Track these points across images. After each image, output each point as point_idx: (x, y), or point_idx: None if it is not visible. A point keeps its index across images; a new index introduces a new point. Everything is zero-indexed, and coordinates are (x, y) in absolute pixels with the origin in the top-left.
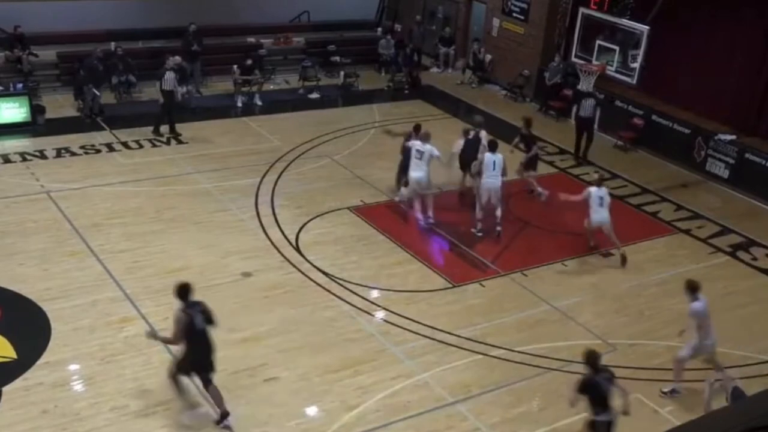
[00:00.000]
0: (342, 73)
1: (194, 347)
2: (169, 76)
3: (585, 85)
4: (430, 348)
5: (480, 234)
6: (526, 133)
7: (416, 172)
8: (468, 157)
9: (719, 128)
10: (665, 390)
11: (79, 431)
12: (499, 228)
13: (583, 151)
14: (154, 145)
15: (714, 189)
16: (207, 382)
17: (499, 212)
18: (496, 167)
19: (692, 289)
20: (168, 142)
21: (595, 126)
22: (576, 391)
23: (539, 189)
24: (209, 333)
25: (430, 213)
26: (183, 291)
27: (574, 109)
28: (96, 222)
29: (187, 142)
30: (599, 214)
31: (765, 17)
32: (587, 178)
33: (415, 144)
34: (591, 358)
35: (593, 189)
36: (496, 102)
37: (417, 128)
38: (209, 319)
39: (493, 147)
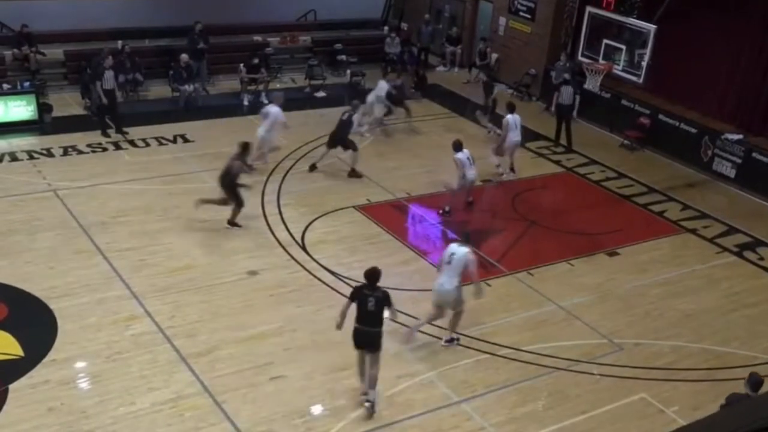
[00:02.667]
0: (348, 71)
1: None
2: (108, 75)
3: (592, 84)
4: (436, 347)
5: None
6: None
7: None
8: (336, 137)
9: (726, 128)
10: None
11: (85, 429)
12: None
13: (567, 139)
14: (161, 144)
15: (721, 188)
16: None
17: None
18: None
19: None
20: (174, 141)
21: (574, 113)
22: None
23: (502, 170)
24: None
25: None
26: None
27: (555, 96)
28: (103, 220)
29: (193, 141)
30: (515, 137)
31: None
32: (582, 171)
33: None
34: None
35: (510, 116)
36: (503, 101)
37: None
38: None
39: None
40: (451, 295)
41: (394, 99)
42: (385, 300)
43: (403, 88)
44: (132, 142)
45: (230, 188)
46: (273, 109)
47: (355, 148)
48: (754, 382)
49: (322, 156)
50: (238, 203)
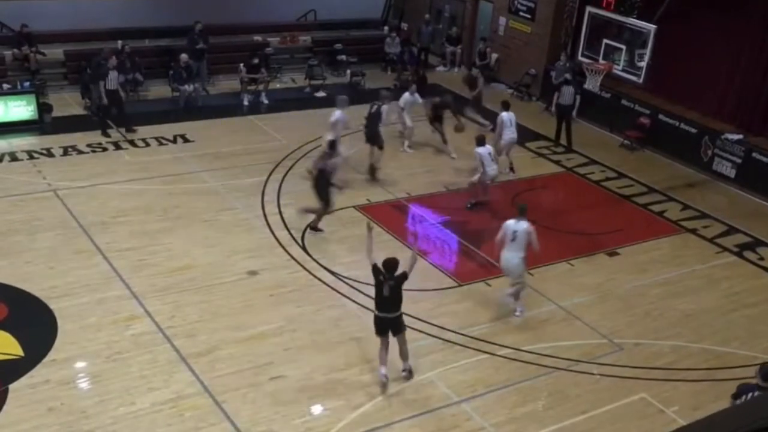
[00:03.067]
0: (348, 71)
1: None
2: (113, 75)
3: (592, 84)
4: (436, 347)
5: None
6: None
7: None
8: (369, 132)
9: (726, 128)
10: None
11: (85, 429)
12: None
13: (567, 139)
14: (161, 144)
15: (721, 188)
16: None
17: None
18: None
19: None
20: (174, 141)
21: (574, 113)
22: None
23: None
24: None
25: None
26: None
27: (555, 96)
28: (103, 220)
29: (193, 141)
30: (510, 134)
31: None
32: (582, 171)
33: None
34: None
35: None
36: (496, 99)
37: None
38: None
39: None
40: (517, 267)
41: (439, 106)
42: (400, 282)
43: (448, 103)
44: (132, 142)
45: (323, 190)
46: (338, 114)
47: (381, 146)
48: (766, 372)
49: (371, 155)
50: (327, 205)
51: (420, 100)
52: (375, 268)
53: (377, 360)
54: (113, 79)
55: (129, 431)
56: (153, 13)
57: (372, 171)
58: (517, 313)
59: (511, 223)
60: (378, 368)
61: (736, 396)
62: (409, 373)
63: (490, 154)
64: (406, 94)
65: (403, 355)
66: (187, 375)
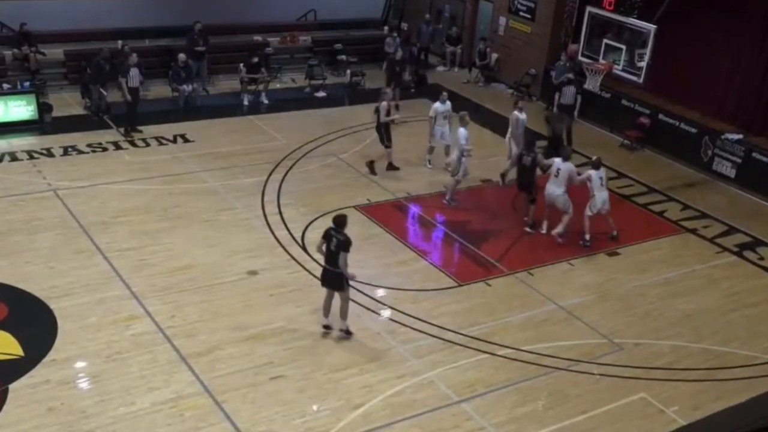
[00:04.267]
0: (348, 71)
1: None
2: (134, 72)
3: (592, 83)
4: (436, 347)
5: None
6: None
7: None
8: (377, 130)
9: (726, 128)
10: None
11: (85, 429)
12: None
13: (567, 139)
14: (161, 144)
15: (721, 188)
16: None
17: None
18: (603, 183)
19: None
20: (174, 141)
21: (575, 113)
22: None
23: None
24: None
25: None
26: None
27: (556, 96)
28: (103, 220)
29: (193, 141)
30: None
31: None
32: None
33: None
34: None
35: (593, 172)
36: (503, 101)
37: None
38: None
39: (597, 165)
40: (560, 197)
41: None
42: (343, 244)
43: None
44: (132, 142)
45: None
46: (460, 131)
47: (384, 144)
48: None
49: (386, 155)
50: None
51: (450, 108)
52: (327, 229)
53: (376, 360)
54: (135, 76)
55: (129, 431)
56: (153, 13)
57: (371, 165)
58: (560, 240)
59: (558, 161)
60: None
61: None
62: (347, 333)
63: (601, 178)
64: (437, 104)
65: (342, 313)
66: (187, 375)
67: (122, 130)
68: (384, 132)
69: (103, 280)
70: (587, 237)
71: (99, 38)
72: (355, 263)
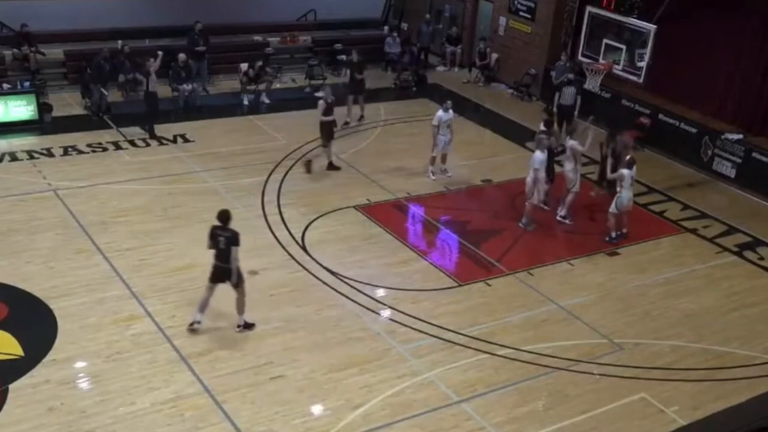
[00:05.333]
0: (348, 71)
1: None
2: (154, 77)
3: (592, 83)
4: (436, 347)
5: None
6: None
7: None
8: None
9: (726, 127)
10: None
11: (84, 429)
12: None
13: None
14: (161, 144)
15: (721, 188)
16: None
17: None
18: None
19: None
20: (174, 141)
21: (576, 113)
22: None
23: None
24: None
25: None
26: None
27: (556, 97)
28: (103, 220)
29: (193, 141)
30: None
31: None
32: (582, 171)
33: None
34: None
35: (626, 171)
36: (503, 101)
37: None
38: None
39: (630, 164)
40: (569, 172)
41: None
42: (232, 239)
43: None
44: (132, 142)
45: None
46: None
47: (321, 143)
48: None
49: (324, 154)
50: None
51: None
52: (212, 228)
53: (376, 360)
54: (154, 81)
55: (129, 431)
56: (153, 13)
57: (307, 163)
58: (568, 222)
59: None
60: (194, 313)
61: None
62: (244, 328)
63: (632, 177)
64: (440, 112)
65: (239, 308)
66: (187, 375)
67: (146, 128)
68: (320, 131)
69: (103, 280)
70: (613, 234)
71: (99, 38)
72: (355, 263)
